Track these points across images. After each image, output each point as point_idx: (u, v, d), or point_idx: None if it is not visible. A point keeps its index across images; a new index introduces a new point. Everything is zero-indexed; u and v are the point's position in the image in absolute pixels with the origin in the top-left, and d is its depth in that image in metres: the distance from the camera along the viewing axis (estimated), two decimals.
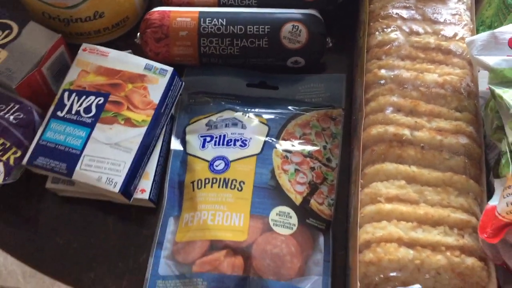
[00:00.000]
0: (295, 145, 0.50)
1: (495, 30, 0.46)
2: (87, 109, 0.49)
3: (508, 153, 0.41)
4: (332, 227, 0.48)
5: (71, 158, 0.46)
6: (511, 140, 0.40)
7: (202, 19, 0.53)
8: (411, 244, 0.41)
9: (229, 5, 0.56)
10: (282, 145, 0.50)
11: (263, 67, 0.55)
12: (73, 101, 0.49)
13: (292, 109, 0.53)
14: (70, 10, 0.52)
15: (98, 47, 0.52)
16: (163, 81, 0.50)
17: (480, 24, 0.56)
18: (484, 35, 0.46)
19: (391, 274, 0.40)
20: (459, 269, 0.40)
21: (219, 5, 0.56)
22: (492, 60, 0.44)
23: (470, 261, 0.41)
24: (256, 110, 0.53)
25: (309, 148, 0.50)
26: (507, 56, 0.45)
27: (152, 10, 0.54)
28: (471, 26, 0.52)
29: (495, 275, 0.41)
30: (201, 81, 0.55)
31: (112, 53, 0.51)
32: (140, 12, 0.59)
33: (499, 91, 0.42)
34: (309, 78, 0.55)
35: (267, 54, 0.53)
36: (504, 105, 0.42)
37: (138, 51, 0.55)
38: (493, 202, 0.40)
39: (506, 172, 0.41)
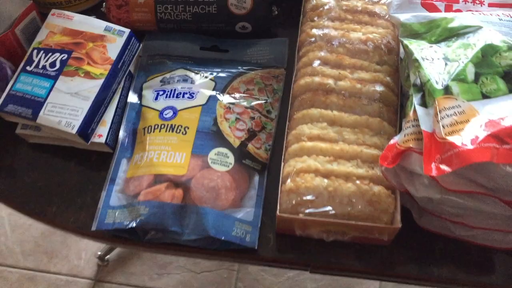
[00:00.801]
0: (238, 99, 0.56)
1: None
2: (52, 64, 0.55)
3: (412, 93, 0.46)
4: (268, 169, 0.54)
5: (36, 105, 0.53)
6: (413, 82, 0.46)
7: None
8: (327, 175, 0.47)
9: None
10: (226, 98, 0.56)
11: (215, 32, 0.61)
12: (40, 58, 0.56)
13: (238, 69, 0.59)
14: None
15: (65, 12, 0.58)
16: (121, 41, 0.57)
17: None
18: None
19: (306, 197, 0.45)
20: (368, 196, 0.46)
21: None
22: (403, 16, 0.50)
23: (377, 188, 0.46)
24: (206, 69, 0.59)
25: (251, 101, 0.56)
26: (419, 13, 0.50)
27: None
28: None
29: (400, 202, 0.47)
30: (159, 45, 0.61)
31: (76, 16, 0.58)
32: None
33: (406, 42, 0.48)
34: (256, 42, 0.61)
35: (217, 19, 0.60)
36: (409, 52, 0.47)
37: (104, 19, 0.61)
38: (395, 138, 0.46)
39: (408, 110, 0.46)
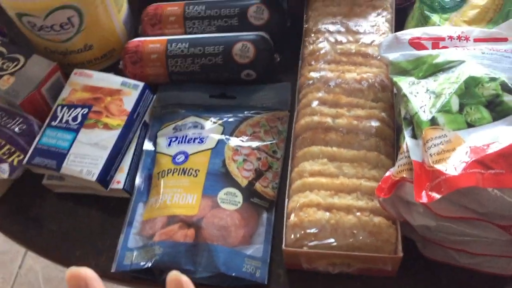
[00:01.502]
0: (245, 141, 0.60)
1: (397, 33, 0.55)
2: (74, 118, 0.60)
3: (403, 127, 0.49)
4: (276, 206, 0.56)
5: (60, 156, 0.58)
6: (403, 116, 0.49)
7: (169, 44, 0.65)
8: (328, 208, 0.49)
9: (194, 34, 0.68)
10: (234, 141, 0.60)
11: (222, 80, 0.66)
12: (64, 113, 0.61)
13: (245, 113, 0.63)
14: (65, 43, 0.65)
15: (86, 70, 0.64)
16: (135, 93, 0.62)
17: None
18: (388, 37, 0.55)
19: (309, 231, 0.48)
20: (369, 227, 0.48)
21: (186, 34, 0.68)
22: (392, 55, 0.53)
23: (378, 219, 0.48)
24: (215, 115, 0.63)
25: (257, 143, 0.60)
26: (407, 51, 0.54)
27: (131, 40, 0.67)
28: (389, 35, 0.61)
29: (404, 233, 0.48)
30: (172, 95, 0.66)
31: (96, 74, 0.64)
32: (124, 44, 0.71)
33: (395, 79, 0.51)
34: (261, 87, 0.66)
35: (223, 69, 0.64)
36: (398, 89, 0.50)
37: (122, 75, 0.67)
38: (391, 169, 0.48)
39: (401, 143, 0.49)
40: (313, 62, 0.59)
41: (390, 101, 0.56)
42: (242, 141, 0.60)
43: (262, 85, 0.66)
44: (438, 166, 0.41)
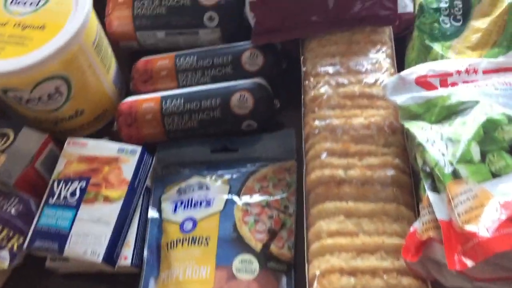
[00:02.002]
0: (254, 198, 0.57)
1: (402, 73, 0.53)
2: (73, 193, 0.57)
3: (422, 178, 0.46)
4: (294, 267, 0.53)
5: (61, 238, 0.54)
6: (421, 166, 0.46)
7: (163, 102, 0.62)
8: (352, 272, 0.46)
9: (188, 86, 0.65)
10: (243, 199, 0.57)
11: (223, 133, 0.63)
12: (61, 188, 0.58)
13: (250, 167, 0.60)
14: (55, 112, 0.62)
15: (79, 139, 0.61)
16: (134, 160, 0.59)
17: (407, 66, 0.62)
18: (393, 78, 0.53)
19: None
20: None
21: (179, 87, 0.65)
22: (400, 99, 0.50)
23: (407, 281, 0.45)
24: (219, 172, 0.60)
25: (267, 198, 0.57)
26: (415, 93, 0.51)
27: (123, 101, 0.64)
28: (392, 71, 0.58)
29: None
30: (171, 154, 0.63)
31: (90, 142, 0.61)
32: (116, 104, 0.68)
33: (407, 125, 0.48)
34: (264, 136, 0.63)
35: (222, 122, 0.61)
36: (411, 136, 0.48)
37: (117, 137, 0.64)
38: (415, 224, 0.45)
39: (422, 195, 0.46)
40: (316, 109, 0.56)
41: (402, 144, 0.53)
42: (251, 199, 0.57)
43: (265, 134, 0.63)
44: (469, 227, 0.38)
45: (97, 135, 0.67)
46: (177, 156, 0.63)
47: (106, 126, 0.69)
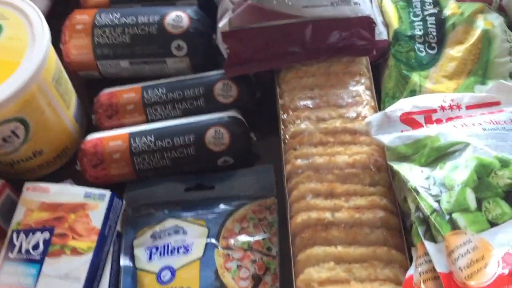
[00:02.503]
0: (235, 241, 0.54)
1: (386, 110, 0.51)
2: (35, 246, 0.52)
3: (415, 224, 0.45)
4: None
5: None
6: (414, 212, 0.45)
7: (132, 139, 0.58)
8: None
9: (157, 121, 0.61)
10: (223, 243, 0.53)
11: (197, 170, 0.59)
12: (22, 241, 0.52)
13: (228, 206, 0.57)
14: (10, 155, 0.56)
15: (39, 184, 0.56)
16: (103, 205, 0.54)
17: (385, 96, 0.61)
18: (378, 116, 0.51)
19: None
20: None
21: (148, 122, 0.61)
22: (387, 138, 0.49)
23: None
24: (196, 213, 0.57)
25: (249, 240, 0.54)
26: (401, 131, 0.50)
27: (87, 139, 0.59)
28: (373, 104, 0.57)
29: None
30: (142, 194, 0.59)
31: (53, 188, 0.55)
32: (78, 140, 0.63)
33: (396, 167, 0.47)
34: (241, 172, 0.60)
35: (197, 160, 0.58)
36: (402, 179, 0.46)
37: (81, 177, 0.59)
38: (410, 271, 0.44)
39: (416, 241, 0.45)
40: (298, 146, 0.54)
41: (388, 181, 0.52)
42: (232, 242, 0.54)
43: (242, 169, 0.60)
44: (472, 283, 0.37)
45: (58, 173, 0.62)
46: (149, 196, 0.59)
47: (68, 164, 0.63)
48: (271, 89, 0.63)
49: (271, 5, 0.57)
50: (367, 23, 0.58)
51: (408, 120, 0.50)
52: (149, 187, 0.59)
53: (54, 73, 0.55)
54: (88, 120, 0.65)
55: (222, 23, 0.58)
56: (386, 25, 0.65)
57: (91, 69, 0.65)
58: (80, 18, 0.65)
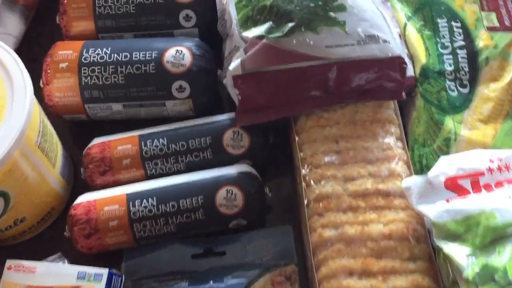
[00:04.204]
0: None
1: (429, 175, 0.45)
2: None
3: None
4: None
5: None
6: None
7: (130, 202, 0.50)
8: None
9: (158, 176, 0.53)
10: None
11: (206, 234, 0.52)
12: None
13: (243, 279, 0.50)
14: None
15: (24, 263, 0.47)
16: (100, 287, 0.47)
17: (413, 142, 0.55)
18: (419, 181, 0.45)
19: None
20: None
21: (147, 178, 0.53)
22: (432, 211, 0.42)
23: None
24: (205, 286, 0.49)
25: None
26: (446, 200, 0.43)
27: (77, 201, 0.51)
28: (405, 158, 0.50)
29: None
30: (143, 263, 0.51)
31: (39, 267, 0.47)
32: (65, 198, 0.55)
33: (446, 249, 0.41)
34: (255, 234, 0.52)
35: (206, 225, 0.51)
36: (455, 265, 0.40)
37: (68, 243, 0.51)
38: None
39: None
40: (324, 213, 0.47)
41: (428, 254, 0.45)
42: None
43: (256, 231, 0.53)
44: None
45: (38, 238, 0.54)
46: (150, 265, 0.51)
47: (53, 226, 0.55)
48: (284, 132, 0.56)
49: (290, 44, 0.49)
50: (398, 63, 0.51)
51: (454, 186, 0.44)
52: (150, 253, 0.52)
53: (38, 131, 0.47)
54: (76, 173, 0.57)
55: (234, 66, 0.50)
56: (411, 57, 0.58)
57: (77, 113, 0.57)
58: (64, 54, 0.56)
